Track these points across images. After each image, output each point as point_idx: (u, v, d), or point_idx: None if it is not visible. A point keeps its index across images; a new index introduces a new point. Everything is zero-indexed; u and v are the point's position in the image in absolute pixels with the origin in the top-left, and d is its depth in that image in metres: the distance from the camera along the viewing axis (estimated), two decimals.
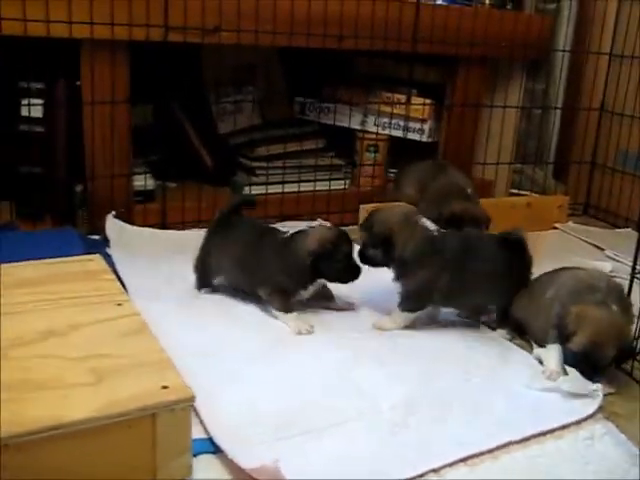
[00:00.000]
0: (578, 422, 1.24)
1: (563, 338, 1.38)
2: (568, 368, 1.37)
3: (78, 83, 1.88)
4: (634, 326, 1.40)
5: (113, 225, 1.92)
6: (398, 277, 1.57)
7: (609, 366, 1.38)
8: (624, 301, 1.41)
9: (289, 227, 2.10)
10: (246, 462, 1.02)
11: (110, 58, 1.87)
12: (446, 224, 1.71)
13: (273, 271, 1.56)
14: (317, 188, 2.30)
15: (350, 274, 1.57)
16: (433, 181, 2.15)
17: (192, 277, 1.69)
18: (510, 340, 1.56)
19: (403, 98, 2.42)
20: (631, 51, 2.47)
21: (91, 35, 1.79)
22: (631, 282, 1.45)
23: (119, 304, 1.26)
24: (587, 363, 1.35)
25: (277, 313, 1.56)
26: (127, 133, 1.97)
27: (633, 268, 1.45)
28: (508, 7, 2.51)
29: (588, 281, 1.44)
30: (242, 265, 1.61)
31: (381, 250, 1.55)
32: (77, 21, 1.76)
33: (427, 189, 2.14)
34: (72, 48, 1.84)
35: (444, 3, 2.33)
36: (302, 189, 2.28)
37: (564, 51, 2.60)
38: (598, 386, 1.32)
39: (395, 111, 2.42)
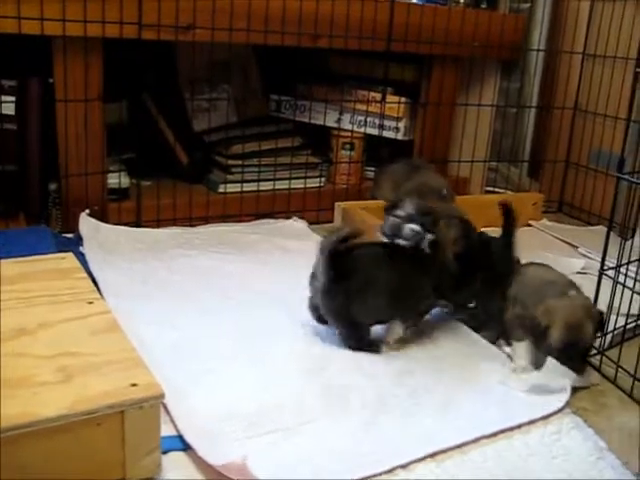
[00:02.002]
0: (546, 417, 1.26)
1: (538, 339, 1.37)
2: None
3: (51, 80, 1.87)
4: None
5: (87, 223, 1.90)
6: None
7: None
8: (579, 288, 1.42)
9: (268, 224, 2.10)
10: (215, 459, 1.03)
11: (83, 55, 1.86)
12: None
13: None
14: (293, 186, 2.30)
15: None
16: (407, 181, 2.17)
17: (165, 275, 1.68)
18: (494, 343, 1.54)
19: (378, 96, 2.43)
20: (604, 50, 2.49)
21: (64, 32, 1.78)
22: (599, 278, 1.47)
23: (90, 302, 1.25)
24: (571, 352, 1.33)
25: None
26: (101, 131, 1.96)
27: (602, 265, 1.47)
28: (483, 6, 2.53)
29: (546, 277, 1.46)
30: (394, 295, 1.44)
31: None
32: (49, 18, 1.75)
33: (400, 189, 2.17)
34: (45, 45, 1.82)
35: (419, 2, 2.33)
36: (278, 187, 2.28)
37: (538, 50, 2.63)
38: (567, 381, 1.34)
39: (370, 109, 2.43)
